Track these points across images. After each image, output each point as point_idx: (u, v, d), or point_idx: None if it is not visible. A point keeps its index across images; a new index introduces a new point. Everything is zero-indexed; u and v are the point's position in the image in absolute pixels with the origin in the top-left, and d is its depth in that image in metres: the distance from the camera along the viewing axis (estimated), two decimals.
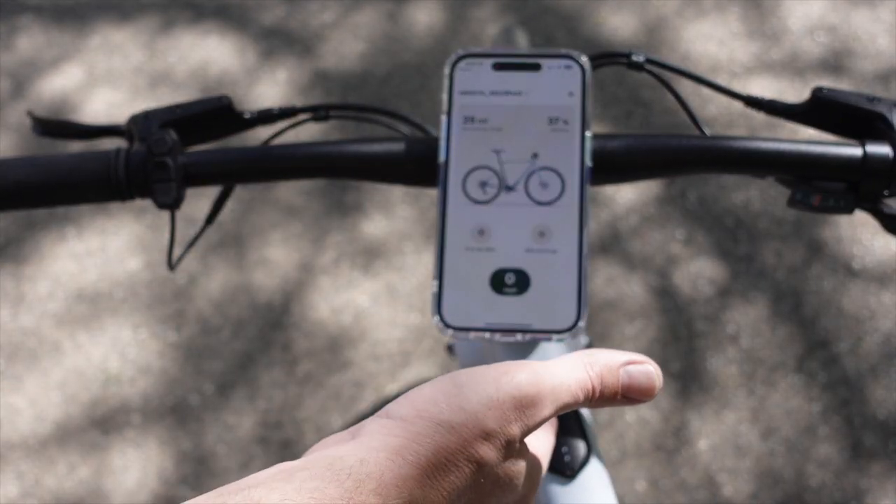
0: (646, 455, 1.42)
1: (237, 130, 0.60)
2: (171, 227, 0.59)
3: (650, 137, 0.52)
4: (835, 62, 1.90)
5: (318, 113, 0.61)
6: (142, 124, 0.55)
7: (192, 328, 1.61)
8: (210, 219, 0.63)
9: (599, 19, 2.02)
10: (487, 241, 0.46)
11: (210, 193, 1.55)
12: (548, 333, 0.45)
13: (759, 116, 1.77)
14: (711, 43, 1.95)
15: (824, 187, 0.51)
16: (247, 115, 0.59)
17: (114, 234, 1.75)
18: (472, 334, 0.45)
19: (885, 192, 0.51)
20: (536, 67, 0.49)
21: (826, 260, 1.62)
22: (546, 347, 0.54)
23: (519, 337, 0.45)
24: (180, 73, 2.01)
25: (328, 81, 1.96)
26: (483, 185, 0.47)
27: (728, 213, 1.69)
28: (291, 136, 0.60)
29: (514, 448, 0.34)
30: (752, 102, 0.57)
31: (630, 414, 1.46)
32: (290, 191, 1.78)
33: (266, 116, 0.60)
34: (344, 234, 1.71)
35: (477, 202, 0.47)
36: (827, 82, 1.84)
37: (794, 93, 1.83)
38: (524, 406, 0.33)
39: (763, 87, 1.85)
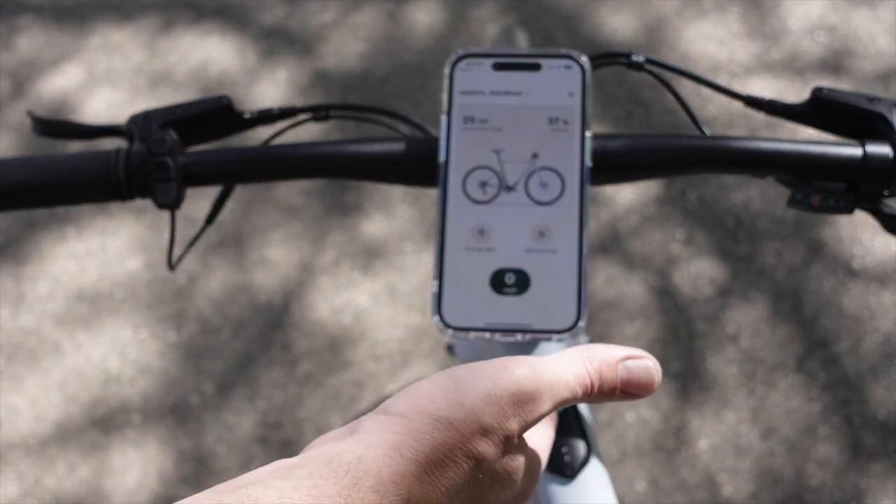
0: (646, 455, 1.42)
1: (237, 130, 0.60)
2: (171, 227, 0.59)
3: (650, 137, 0.52)
4: (835, 62, 1.90)
5: (318, 113, 0.61)
6: (142, 124, 0.55)
7: (192, 328, 1.61)
8: (210, 219, 0.63)
9: (599, 19, 2.02)
10: (487, 241, 0.46)
11: (210, 193, 1.55)
12: (548, 333, 0.45)
13: (759, 116, 1.77)
14: (711, 43, 1.95)
15: (824, 187, 0.51)
16: (247, 115, 0.59)
17: (114, 234, 1.75)
18: (472, 334, 0.45)
19: (885, 192, 0.51)
20: (536, 67, 0.49)
21: (826, 260, 1.62)
22: (546, 347, 0.54)
23: (519, 337, 0.45)
24: (180, 73, 2.01)
25: (328, 81, 1.96)
26: (483, 185, 0.47)
27: (728, 213, 1.69)
28: (291, 136, 0.60)
29: (513, 443, 0.34)
30: (752, 102, 0.57)
31: (630, 414, 1.46)
32: (290, 191, 1.78)
33: (266, 116, 0.60)
34: (344, 234, 1.71)
35: (477, 202, 0.47)
36: (827, 82, 1.84)
37: (794, 93, 1.83)
38: (522, 402, 0.33)
39: (763, 87, 1.85)
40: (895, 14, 1.98)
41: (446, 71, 0.49)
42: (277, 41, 2.05)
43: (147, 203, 1.71)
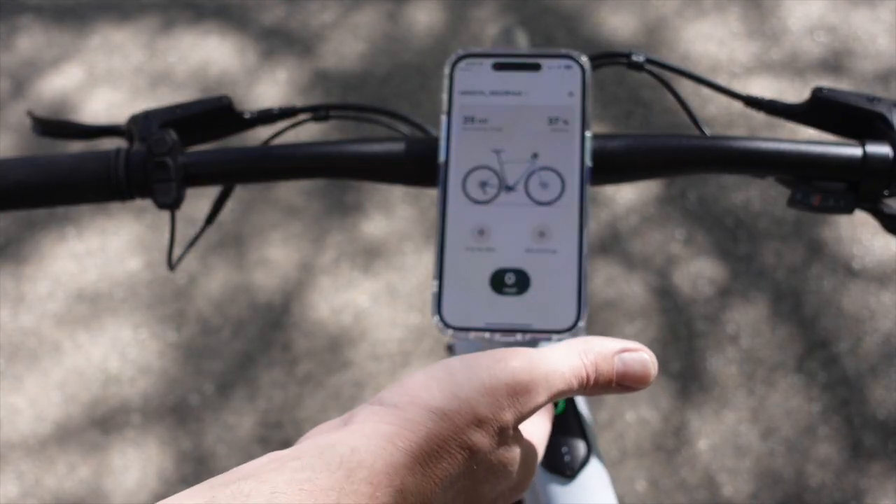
0: (646, 455, 1.42)
1: (237, 130, 0.60)
2: (171, 227, 0.59)
3: (650, 137, 0.52)
4: (835, 62, 1.91)
5: (318, 113, 0.61)
6: (142, 124, 0.55)
7: (192, 328, 1.61)
8: (210, 219, 0.63)
9: (599, 19, 2.02)
10: (487, 241, 0.46)
11: (210, 193, 1.55)
12: (548, 333, 0.45)
13: (759, 116, 1.77)
14: (711, 43, 1.95)
15: (824, 187, 0.51)
16: (247, 115, 0.59)
17: (114, 234, 1.75)
18: (472, 334, 0.45)
19: (885, 192, 0.51)
20: (536, 67, 0.49)
21: (826, 260, 1.62)
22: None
23: (519, 337, 0.45)
24: (180, 73, 2.01)
25: (328, 81, 1.96)
26: (483, 185, 0.47)
27: (728, 213, 1.69)
28: (291, 136, 0.60)
29: (508, 435, 0.34)
30: (752, 102, 0.57)
31: (630, 414, 1.46)
32: (290, 191, 1.78)
33: (266, 116, 0.60)
34: (344, 234, 1.71)
35: (477, 202, 0.47)
36: (827, 82, 1.84)
37: (794, 93, 1.83)
38: (517, 392, 0.33)
39: (763, 87, 1.85)
40: (895, 14, 1.98)
41: (446, 71, 0.49)
42: (277, 41, 2.05)
43: (147, 203, 1.71)
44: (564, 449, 0.59)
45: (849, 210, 0.52)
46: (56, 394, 1.55)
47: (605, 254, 1.65)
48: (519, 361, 0.34)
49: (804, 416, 1.45)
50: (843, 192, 0.51)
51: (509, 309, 0.45)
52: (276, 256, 1.70)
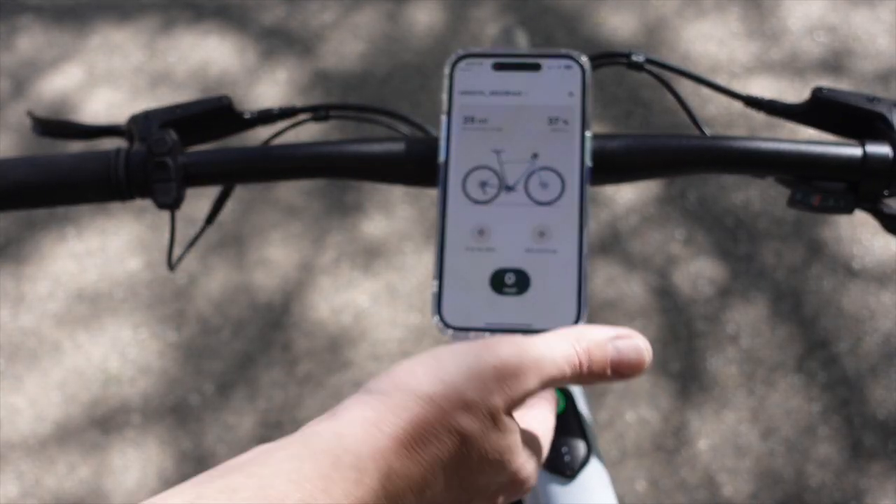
0: (646, 455, 1.42)
1: (237, 130, 0.60)
2: (171, 227, 0.59)
3: (650, 137, 0.52)
4: (835, 62, 1.91)
5: (318, 113, 0.61)
6: (142, 124, 0.55)
7: (192, 328, 1.61)
8: (210, 219, 0.63)
9: (599, 19, 2.02)
10: (487, 241, 0.46)
11: (210, 193, 1.55)
12: None
13: (759, 116, 1.77)
14: (711, 43, 1.95)
15: (824, 187, 0.51)
16: (247, 115, 0.59)
17: (114, 234, 1.75)
18: (473, 334, 0.45)
19: (885, 192, 0.51)
20: (536, 67, 0.49)
21: (826, 260, 1.62)
22: None
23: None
24: (180, 73, 2.01)
25: (328, 81, 1.96)
26: (483, 185, 0.47)
27: (728, 213, 1.69)
28: (291, 136, 0.60)
29: (500, 420, 0.33)
30: (752, 102, 0.57)
31: (630, 414, 1.46)
32: (290, 191, 1.78)
33: (266, 116, 0.60)
34: (344, 234, 1.71)
35: (477, 202, 0.47)
36: (827, 82, 1.84)
37: (794, 93, 1.83)
38: (505, 377, 0.33)
39: (763, 87, 1.85)
40: (895, 14, 1.98)
41: (446, 71, 0.49)
42: (277, 41, 2.05)
43: (147, 203, 1.71)
44: (564, 449, 0.59)
45: (849, 210, 0.52)
46: (56, 394, 1.55)
47: (605, 254, 1.65)
48: (508, 346, 0.34)
49: (804, 416, 1.45)
50: (843, 192, 0.51)
51: (509, 309, 0.45)
52: (276, 256, 1.70)
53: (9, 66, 2.06)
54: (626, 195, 1.72)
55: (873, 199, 0.52)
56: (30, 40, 2.11)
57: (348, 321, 1.60)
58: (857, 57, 1.91)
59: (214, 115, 0.57)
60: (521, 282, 0.45)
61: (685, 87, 1.75)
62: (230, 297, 1.65)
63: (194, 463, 1.46)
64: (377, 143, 0.53)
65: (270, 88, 1.95)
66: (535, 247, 0.46)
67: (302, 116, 0.61)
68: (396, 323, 1.59)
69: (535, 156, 0.47)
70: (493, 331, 0.45)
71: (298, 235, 1.72)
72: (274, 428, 1.48)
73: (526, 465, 0.36)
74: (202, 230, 0.62)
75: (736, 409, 1.46)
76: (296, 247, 1.71)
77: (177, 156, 0.52)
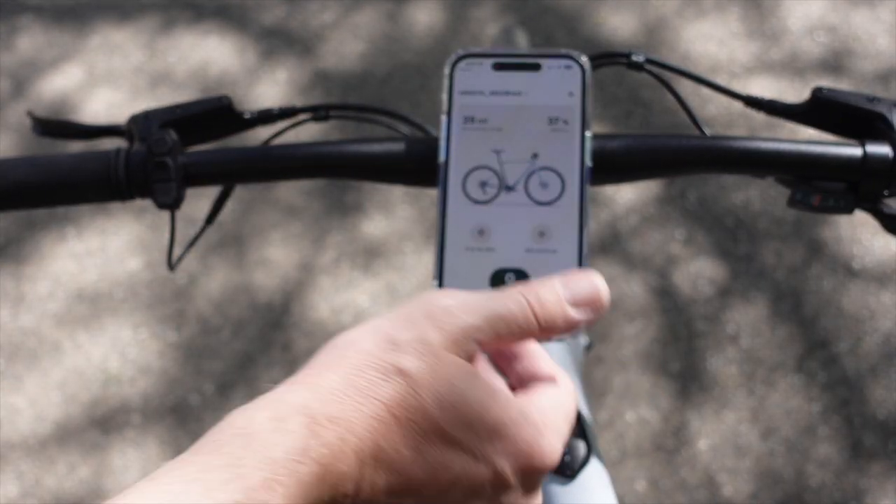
0: (646, 455, 1.42)
1: (237, 130, 0.60)
2: (171, 228, 0.59)
3: (650, 137, 0.52)
4: (835, 62, 1.90)
5: (318, 113, 0.61)
6: (142, 124, 0.55)
7: (192, 328, 1.61)
8: (210, 219, 0.63)
9: (599, 19, 2.02)
10: (487, 241, 0.46)
11: (210, 193, 1.55)
12: None
13: (759, 116, 1.77)
14: (711, 43, 1.95)
15: (824, 187, 0.51)
16: (247, 115, 0.59)
17: (114, 234, 1.75)
18: None
19: (885, 192, 0.51)
20: (536, 67, 0.49)
21: (826, 260, 1.62)
22: (546, 347, 0.54)
23: None
24: (180, 73, 2.01)
25: (328, 81, 1.96)
26: (483, 185, 0.47)
27: (728, 213, 1.69)
28: (291, 136, 0.60)
29: (442, 356, 0.31)
30: (752, 102, 0.57)
31: (630, 414, 1.46)
32: (290, 191, 1.78)
33: (266, 116, 0.60)
34: (344, 234, 1.71)
35: (477, 202, 0.47)
36: (827, 82, 1.84)
37: (794, 93, 1.83)
38: (435, 314, 0.32)
39: (763, 87, 1.85)
40: (895, 14, 1.98)
41: (446, 71, 0.49)
42: (277, 41, 2.05)
43: (147, 203, 1.71)
44: (564, 449, 0.59)
45: (849, 210, 0.52)
46: (56, 394, 1.55)
47: (605, 254, 1.65)
48: (439, 291, 0.33)
49: (804, 416, 1.45)
50: (843, 192, 0.51)
51: None
52: (276, 256, 1.70)
53: (9, 66, 2.06)
54: (626, 195, 1.72)
55: (873, 199, 0.52)
56: (30, 40, 2.11)
57: (348, 321, 1.60)
58: (857, 57, 1.91)
59: (214, 115, 0.57)
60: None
61: (685, 87, 1.75)
62: (230, 297, 1.65)
63: None
64: (377, 143, 0.53)
65: (270, 88, 1.95)
66: (535, 247, 0.46)
67: (302, 116, 0.61)
68: None
69: (535, 156, 0.47)
70: None
71: (298, 235, 1.72)
72: None
73: (539, 439, 0.32)
74: (202, 230, 0.62)
75: (736, 409, 1.46)
76: (296, 247, 1.71)
77: (177, 156, 0.52)
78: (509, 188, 0.47)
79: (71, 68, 2.04)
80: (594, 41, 1.96)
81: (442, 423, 0.30)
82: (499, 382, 0.37)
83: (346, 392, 0.30)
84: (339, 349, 0.32)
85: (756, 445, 1.43)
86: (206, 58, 2.03)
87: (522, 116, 0.48)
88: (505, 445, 0.32)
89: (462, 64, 0.49)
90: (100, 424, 1.51)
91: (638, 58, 0.58)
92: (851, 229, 1.65)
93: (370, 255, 1.67)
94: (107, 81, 2.00)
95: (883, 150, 0.50)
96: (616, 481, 1.42)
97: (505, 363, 0.38)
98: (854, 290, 1.58)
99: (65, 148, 0.61)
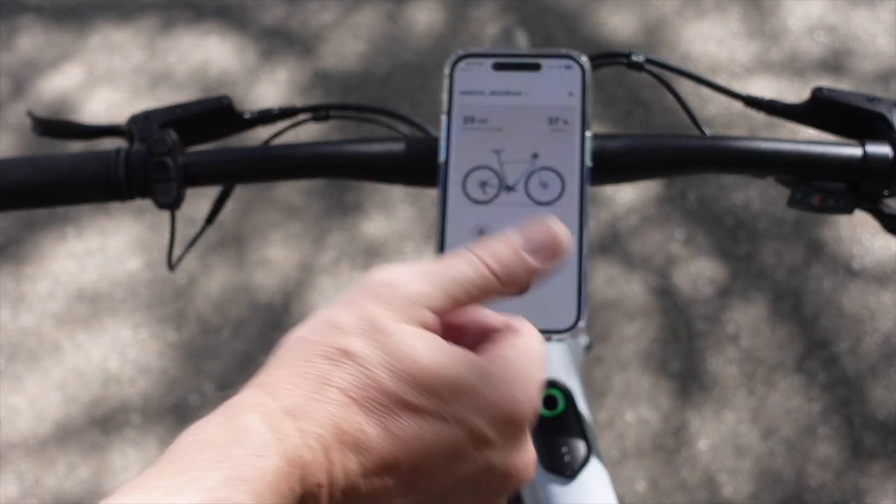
0: (646, 455, 1.42)
1: (237, 130, 0.60)
2: (171, 228, 0.59)
3: (650, 137, 0.52)
4: (835, 62, 1.90)
5: (318, 113, 0.61)
6: (142, 124, 0.55)
7: (192, 328, 1.61)
8: (210, 219, 0.63)
9: (599, 19, 2.02)
10: None
11: (210, 193, 1.55)
12: (548, 333, 0.45)
13: (759, 116, 1.77)
14: (711, 43, 1.95)
15: (824, 187, 0.51)
16: (247, 115, 0.59)
17: (114, 234, 1.75)
18: None
19: (885, 192, 0.51)
20: (536, 67, 0.49)
21: (826, 260, 1.62)
22: (546, 347, 0.54)
23: None
24: (180, 73, 2.01)
25: (328, 81, 1.96)
26: (483, 185, 0.47)
27: (728, 213, 1.69)
28: (291, 136, 0.60)
29: (390, 331, 0.30)
30: (752, 102, 0.57)
31: (630, 414, 1.46)
32: (290, 191, 1.78)
33: (266, 116, 0.60)
34: (344, 234, 1.71)
35: (477, 202, 0.47)
36: (827, 82, 1.84)
37: (794, 93, 1.83)
38: (378, 290, 0.32)
39: (763, 87, 1.85)
40: (895, 14, 1.98)
41: (446, 71, 0.49)
42: (277, 41, 2.05)
43: (147, 203, 1.71)
44: (564, 449, 0.59)
45: (849, 210, 0.52)
46: (56, 394, 1.55)
47: (605, 254, 1.65)
48: (380, 269, 0.33)
49: (804, 416, 1.45)
50: (843, 192, 0.51)
51: (509, 309, 0.45)
52: (276, 256, 1.70)
53: (9, 66, 2.06)
54: (626, 195, 1.72)
55: (873, 199, 0.52)
56: (30, 40, 2.11)
57: None
58: (857, 57, 1.91)
59: (214, 115, 0.57)
60: None
61: (685, 87, 1.75)
62: (230, 297, 1.65)
63: None
64: (377, 143, 0.53)
65: (270, 88, 1.95)
66: None
67: (302, 116, 0.61)
68: None
69: (535, 156, 0.47)
70: None
71: (298, 235, 1.72)
72: None
73: (508, 388, 0.31)
74: (202, 230, 0.62)
75: (736, 409, 1.46)
76: (296, 247, 1.71)
77: (177, 156, 0.52)
78: (509, 188, 0.47)
79: (71, 68, 2.04)
80: (594, 41, 1.96)
81: (401, 395, 0.30)
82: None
83: (297, 384, 0.29)
84: (286, 346, 0.31)
85: (756, 445, 1.43)
86: (206, 58, 2.03)
87: (522, 116, 0.48)
88: (473, 402, 0.31)
89: (462, 64, 0.49)
90: (100, 424, 1.51)
91: (638, 58, 0.59)
92: (851, 229, 1.65)
93: (370, 255, 1.67)
94: (107, 81, 2.00)
95: (883, 150, 0.50)
96: (616, 481, 1.42)
97: (456, 337, 0.35)
98: (854, 290, 1.58)
99: (65, 148, 0.61)
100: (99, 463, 1.47)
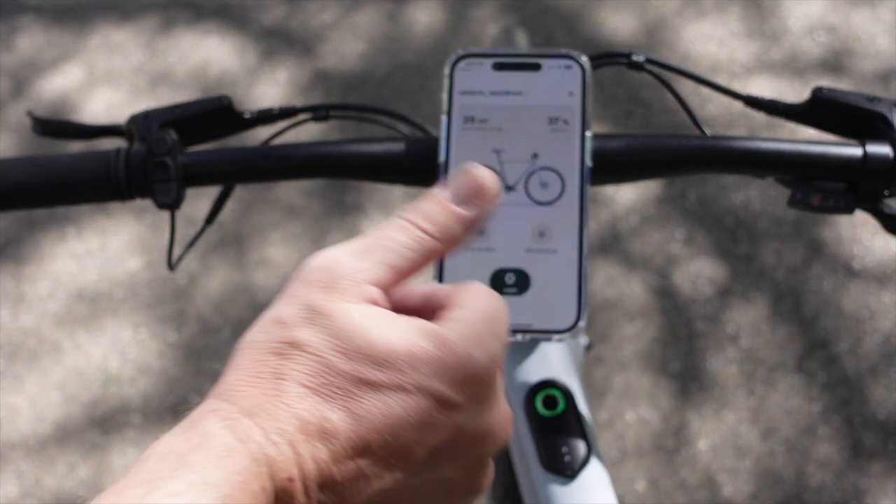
0: (646, 455, 1.42)
1: (237, 130, 0.60)
2: (171, 227, 0.59)
3: (650, 137, 0.53)
4: (835, 62, 1.90)
5: (318, 113, 0.61)
6: (142, 124, 0.55)
7: (192, 328, 1.61)
8: (210, 219, 0.63)
9: (599, 19, 2.02)
10: (487, 241, 0.46)
11: (210, 193, 1.55)
12: (548, 333, 0.45)
13: (759, 116, 1.77)
14: (711, 43, 1.95)
15: (824, 187, 0.51)
16: (247, 115, 0.59)
17: (114, 234, 1.75)
18: None
19: (885, 192, 0.51)
20: (536, 67, 0.49)
21: (826, 260, 1.62)
22: (546, 347, 0.54)
23: (519, 337, 0.45)
24: (180, 73, 2.01)
25: (328, 81, 1.96)
26: None
27: (728, 213, 1.69)
28: (291, 136, 0.60)
29: (332, 313, 0.30)
30: (752, 102, 0.57)
31: (630, 414, 1.46)
32: (290, 191, 1.78)
33: (266, 116, 0.60)
34: (344, 234, 1.71)
35: None
36: (827, 82, 1.84)
37: (794, 93, 1.83)
38: (315, 277, 0.32)
39: (763, 87, 1.85)
40: (895, 14, 1.98)
41: (446, 71, 0.49)
42: (277, 41, 2.05)
43: (147, 203, 1.71)
44: (564, 449, 0.59)
45: (849, 210, 0.52)
46: (56, 394, 1.55)
47: (605, 254, 1.65)
48: (311, 258, 0.33)
49: (804, 416, 1.45)
50: (843, 192, 0.51)
51: (509, 309, 0.45)
52: (276, 256, 1.70)
53: (9, 66, 2.06)
54: (626, 195, 1.71)
55: (873, 199, 0.52)
56: (30, 40, 2.11)
57: None
58: (857, 57, 1.91)
59: (214, 114, 0.57)
60: (521, 282, 0.45)
61: (685, 87, 1.75)
62: (230, 297, 1.65)
63: None
64: (377, 143, 0.53)
65: (270, 88, 1.95)
66: (535, 247, 0.46)
67: (302, 116, 0.61)
68: None
69: (535, 156, 0.47)
70: None
71: (298, 235, 1.72)
72: None
73: (465, 346, 0.31)
74: (202, 230, 0.62)
75: (736, 409, 1.46)
76: (296, 247, 1.71)
77: (177, 156, 0.52)
78: (509, 188, 0.47)
79: (71, 68, 2.04)
80: (594, 41, 1.96)
81: (356, 374, 0.29)
82: None
83: (252, 384, 0.29)
84: (237, 353, 0.31)
85: (756, 445, 1.43)
86: (206, 58, 2.03)
87: (522, 116, 0.48)
88: (431, 367, 0.30)
89: (462, 64, 0.49)
90: (100, 424, 1.51)
91: (638, 58, 0.59)
92: (851, 229, 1.65)
93: None
94: (107, 81, 2.00)
95: (883, 150, 0.50)
96: (616, 481, 1.42)
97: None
98: (854, 290, 1.58)
99: (65, 148, 0.61)
100: (99, 463, 1.47)
